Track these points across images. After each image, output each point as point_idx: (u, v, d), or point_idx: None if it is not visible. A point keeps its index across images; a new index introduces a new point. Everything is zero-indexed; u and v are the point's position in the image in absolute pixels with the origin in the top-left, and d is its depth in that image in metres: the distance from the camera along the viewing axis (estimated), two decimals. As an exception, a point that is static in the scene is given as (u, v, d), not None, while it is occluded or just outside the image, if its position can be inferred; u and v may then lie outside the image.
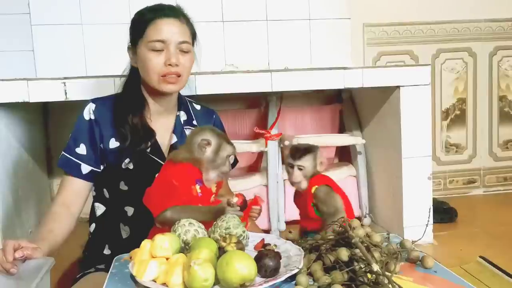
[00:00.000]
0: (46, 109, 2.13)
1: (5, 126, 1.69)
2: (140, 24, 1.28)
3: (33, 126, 1.98)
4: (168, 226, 1.06)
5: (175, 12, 1.29)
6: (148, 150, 1.30)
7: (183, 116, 1.40)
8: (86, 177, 1.30)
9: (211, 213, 1.09)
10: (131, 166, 1.29)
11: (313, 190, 1.24)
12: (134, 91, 1.34)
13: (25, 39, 2.05)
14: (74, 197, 1.29)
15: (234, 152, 1.19)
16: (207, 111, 1.49)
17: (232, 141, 1.53)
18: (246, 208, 1.19)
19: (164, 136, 1.35)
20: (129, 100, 1.32)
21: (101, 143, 1.29)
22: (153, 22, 1.26)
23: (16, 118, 1.77)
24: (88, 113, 1.30)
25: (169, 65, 1.24)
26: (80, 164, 1.28)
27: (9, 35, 2.08)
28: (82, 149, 1.29)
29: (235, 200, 1.15)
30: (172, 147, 1.34)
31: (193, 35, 1.33)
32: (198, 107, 1.47)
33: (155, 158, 1.30)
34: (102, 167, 1.31)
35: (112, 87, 1.57)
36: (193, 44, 1.33)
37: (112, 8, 2.07)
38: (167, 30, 1.25)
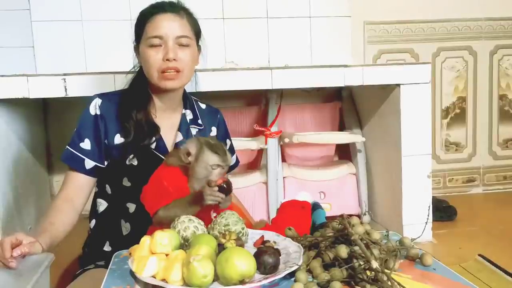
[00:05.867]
0: (46, 105, 2.13)
1: (5, 122, 1.69)
2: (141, 22, 1.29)
3: (33, 123, 1.98)
4: (164, 225, 1.07)
5: (174, 8, 1.28)
6: (153, 146, 1.30)
7: (189, 115, 1.40)
8: (90, 172, 1.29)
9: (194, 199, 1.11)
10: (135, 162, 1.29)
11: None
12: (141, 87, 1.34)
13: (25, 35, 2.04)
14: (77, 192, 1.29)
15: (220, 162, 1.15)
16: (212, 110, 1.49)
17: (232, 138, 1.55)
18: (230, 192, 1.12)
19: (169, 133, 1.35)
20: (134, 95, 1.32)
21: (106, 139, 1.29)
22: (151, 18, 1.26)
23: (16, 114, 1.76)
24: (94, 108, 1.29)
25: (167, 60, 1.23)
26: (84, 159, 1.28)
27: (9, 31, 2.07)
28: (86, 144, 1.28)
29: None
30: (177, 145, 1.34)
31: (196, 31, 1.32)
32: (203, 106, 1.47)
33: (160, 155, 1.30)
34: (106, 163, 1.31)
35: (112, 84, 1.57)
36: (197, 41, 1.33)
37: (112, 4, 2.06)
38: (164, 25, 1.25)
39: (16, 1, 2.05)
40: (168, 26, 1.25)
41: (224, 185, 1.09)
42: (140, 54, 1.30)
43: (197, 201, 1.10)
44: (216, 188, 1.09)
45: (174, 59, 1.24)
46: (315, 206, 1.32)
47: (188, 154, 1.17)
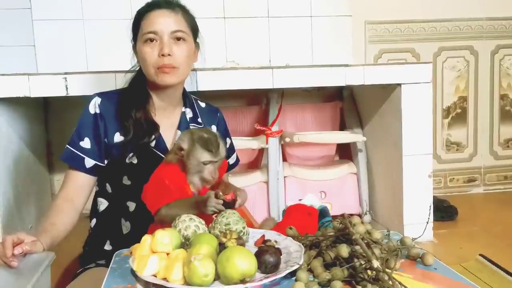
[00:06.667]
0: (47, 104, 2.13)
1: (6, 121, 1.69)
2: (137, 20, 1.29)
3: (33, 121, 1.98)
4: (165, 223, 1.07)
5: (169, 4, 1.28)
6: (153, 145, 1.30)
7: (189, 113, 1.40)
8: (90, 171, 1.29)
9: (197, 203, 1.10)
10: (135, 161, 1.29)
11: None
12: (140, 86, 1.34)
13: (26, 34, 2.04)
14: (77, 191, 1.29)
15: (212, 158, 1.14)
16: (212, 109, 1.49)
17: (233, 138, 1.55)
18: (233, 208, 1.10)
19: (169, 132, 1.35)
20: (133, 94, 1.32)
21: (106, 137, 1.29)
22: (146, 15, 1.27)
23: (16, 113, 1.76)
24: (94, 107, 1.29)
25: (162, 55, 1.23)
26: (84, 158, 1.28)
27: (10, 30, 2.07)
28: (86, 143, 1.28)
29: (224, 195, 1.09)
30: None
31: (193, 27, 1.32)
32: (203, 105, 1.47)
33: (159, 154, 1.30)
34: (105, 162, 1.31)
35: (113, 82, 1.57)
36: (195, 38, 1.33)
37: (114, 3, 2.06)
38: (160, 21, 1.25)
39: (17, 0, 2.05)
40: (164, 22, 1.25)
41: (231, 202, 1.09)
42: (137, 52, 1.30)
43: (200, 207, 1.10)
44: (221, 202, 1.08)
45: (169, 54, 1.23)
46: (323, 213, 1.28)
47: (181, 149, 1.16)
